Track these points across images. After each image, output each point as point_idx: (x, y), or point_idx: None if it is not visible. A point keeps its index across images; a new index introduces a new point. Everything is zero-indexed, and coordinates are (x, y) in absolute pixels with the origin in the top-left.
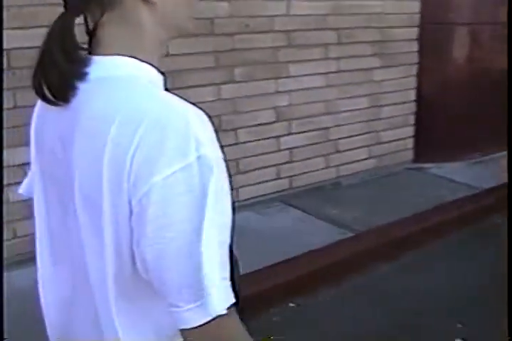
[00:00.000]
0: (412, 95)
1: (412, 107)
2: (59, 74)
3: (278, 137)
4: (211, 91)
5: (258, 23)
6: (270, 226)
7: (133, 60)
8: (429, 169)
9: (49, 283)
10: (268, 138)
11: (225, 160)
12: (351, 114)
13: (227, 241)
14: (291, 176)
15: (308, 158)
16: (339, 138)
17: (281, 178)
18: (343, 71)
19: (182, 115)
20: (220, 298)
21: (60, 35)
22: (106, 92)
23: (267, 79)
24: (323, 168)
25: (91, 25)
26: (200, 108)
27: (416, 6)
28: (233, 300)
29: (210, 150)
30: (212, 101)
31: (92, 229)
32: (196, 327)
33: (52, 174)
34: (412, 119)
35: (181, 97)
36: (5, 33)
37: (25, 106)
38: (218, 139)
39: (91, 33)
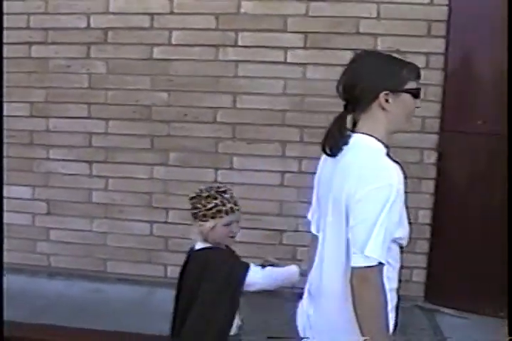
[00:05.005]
0: (427, 216)
1: (424, 231)
2: (334, 142)
3: None
4: (144, 170)
5: (198, 113)
6: None
7: (369, 137)
8: (443, 316)
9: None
10: None
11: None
12: None
13: (392, 234)
14: None
15: (254, 257)
16: (297, 245)
17: None
18: (306, 172)
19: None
20: (372, 254)
21: (338, 121)
22: (352, 152)
23: (205, 167)
24: None
25: (355, 118)
26: None
27: (434, 109)
28: (378, 261)
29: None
30: (145, 179)
31: (335, 222)
32: (355, 268)
33: (322, 196)
34: (423, 246)
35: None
36: None
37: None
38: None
39: (355, 122)
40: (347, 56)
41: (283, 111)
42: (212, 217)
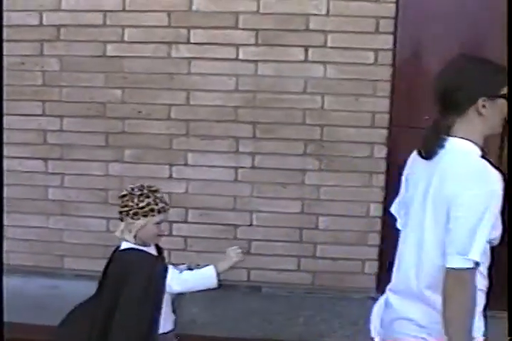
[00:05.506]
0: (378, 209)
1: (375, 224)
2: (430, 145)
3: (171, 222)
4: (99, 167)
5: (152, 110)
6: None
7: (465, 141)
8: None
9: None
10: None
11: None
12: (269, 216)
13: (487, 238)
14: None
15: (209, 251)
16: (251, 239)
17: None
18: (259, 168)
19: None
20: (473, 257)
21: (434, 126)
22: (449, 156)
23: (160, 164)
24: None
25: (450, 122)
26: None
27: (383, 105)
28: (475, 262)
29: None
30: (100, 176)
31: (433, 223)
32: (451, 269)
33: (410, 196)
34: (375, 239)
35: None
36: None
37: None
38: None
39: (449, 126)
40: (297, 53)
41: (235, 108)
42: (144, 216)
